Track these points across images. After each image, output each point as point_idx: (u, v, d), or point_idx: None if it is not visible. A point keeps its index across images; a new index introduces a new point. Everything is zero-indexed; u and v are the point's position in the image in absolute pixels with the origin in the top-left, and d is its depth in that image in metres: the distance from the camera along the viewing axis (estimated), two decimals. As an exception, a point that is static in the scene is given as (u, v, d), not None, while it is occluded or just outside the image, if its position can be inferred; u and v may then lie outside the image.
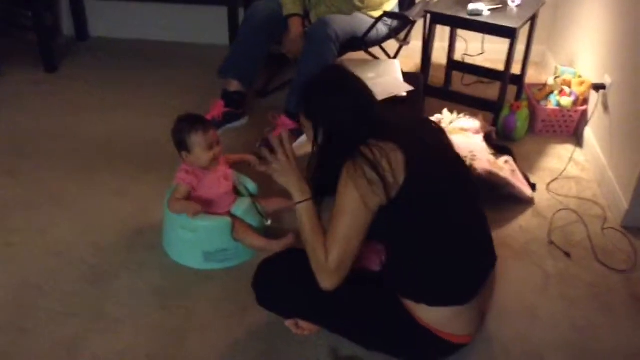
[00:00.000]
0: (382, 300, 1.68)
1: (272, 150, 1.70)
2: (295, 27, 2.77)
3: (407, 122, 1.71)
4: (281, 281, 1.75)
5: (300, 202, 1.65)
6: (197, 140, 2.05)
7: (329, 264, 1.58)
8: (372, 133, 1.57)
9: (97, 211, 2.38)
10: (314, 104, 1.64)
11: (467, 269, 1.66)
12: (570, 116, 2.88)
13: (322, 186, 1.66)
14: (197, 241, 2.10)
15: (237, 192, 2.24)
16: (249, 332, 1.89)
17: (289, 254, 1.85)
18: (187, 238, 2.10)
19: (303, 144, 2.78)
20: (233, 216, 2.13)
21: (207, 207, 2.12)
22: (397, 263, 1.64)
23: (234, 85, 2.88)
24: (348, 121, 1.59)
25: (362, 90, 1.64)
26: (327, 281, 1.60)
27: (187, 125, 2.06)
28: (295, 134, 2.76)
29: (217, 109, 2.85)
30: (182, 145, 2.07)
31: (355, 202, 1.53)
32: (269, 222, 2.19)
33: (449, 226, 1.62)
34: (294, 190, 1.66)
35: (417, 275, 1.63)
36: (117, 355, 1.81)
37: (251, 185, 2.27)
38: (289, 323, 1.83)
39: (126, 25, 3.72)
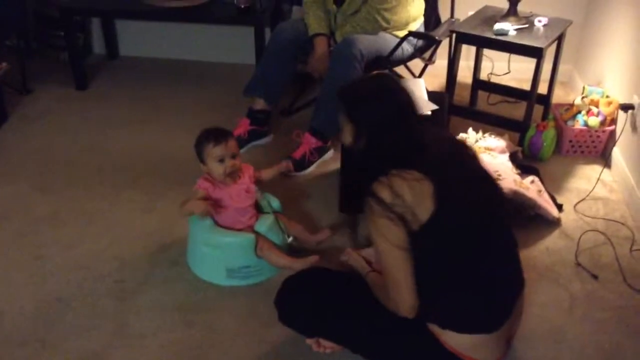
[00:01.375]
0: (406, 322, 1.64)
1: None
2: (321, 46, 2.79)
3: (438, 144, 1.66)
4: (304, 300, 1.74)
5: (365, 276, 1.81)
6: (208, 151, 2.08)
7: (403, 306, 1.58)
8: (405, 152, 1.56)
9: (124, 227, 2.41)
10: (359, 108, 1.60)
11: (496, 296, 1.63)
12: (598, 136, 2.85)
13: (359, 191, 1.62)
14: (220, 257, 2.11)
15: (259, 208, 2.25)
16: (271, 349, 1.89)
17: (313, 273, 1.85)
18: (210, 254, 2.12)
19: (327, 160, 2.80)
20: (256, 233, 2.14)
21: (228, 220, 2.14)
22: (423, 289, 1.60)
23: (260, 104, 2.91)
24: (388, 132, 1.56)
25: (408, 103, 1.61)
26: (406, 314, 1.60)
27: (203, 137, 2.11)
28: (320, 151, 2.77)
29: (242, 126, 2.88)
30: (199, 156, 2.12)
31: (383, 243, 1.54)
32: (291, 239, 2.20)
33: (478, 254, 1.58)
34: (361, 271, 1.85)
35: (444, 303, 1.60)
36: (140, 370, 1.83)
37: (275, 203, 2.28)
38: (310, 341, 1.83)
39: (155, 44, 3.79)
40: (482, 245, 1.59)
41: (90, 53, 3.82)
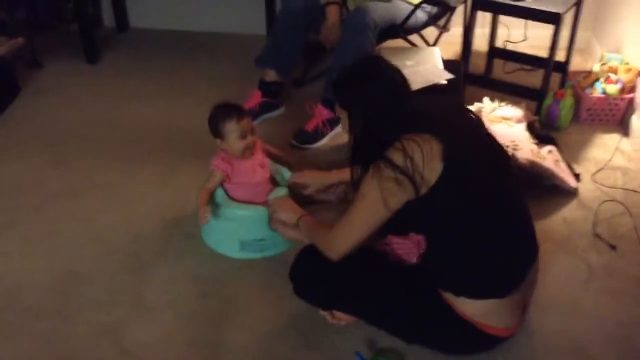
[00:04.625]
0: (420, 292, 1.66)
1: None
2: (333, 15, 2.74)
3: (443, 112, 1.67)
4: (318, 272, 1.74)
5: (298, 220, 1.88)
6: (230, 128, 2.06)
7: (336, 248, 1.65)
8: (406, 123, 1.56)
9: (138, 200, 2.41)
10: (348, 93, 1.64)
11: (509, 259, 1.63)
12: (617, 104, 2.79)
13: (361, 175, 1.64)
14: (234, 230, 2.11)
15: (274, 181, 2.24)
16: (286, 321, 1.90)
17: None
18: (224, 227, 2.11)
19: (340, 133, 2.77)
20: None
21: (244, 195, 2.13)
22: (436, 255, 1.62)
23: (271, 75, 2.87)
24: (383, 112, 1.59)
25: (397, 81, 1.63)
26: (333, 255, 1.66)
27: (222, 113, 2.08)
28: (332, 123, 2.74)
29: (254, 99, 2.85)
30: (217, 132, 2.09)
31: (375, 202, 1.54)
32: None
33: (489, 216, 1.59)
34: (292, 218, 1.91)
35: (457, 267, 1.61)
36: (159, 341, 1.84)
37: (287, 175, 2.26)
38: (324, 313, 1.83)
39: (165, 16, 3.75)
40: (490, 210, 1.59)
41: (100, 25, 3.79)
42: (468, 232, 1.58)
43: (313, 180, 2.16)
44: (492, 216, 1.59)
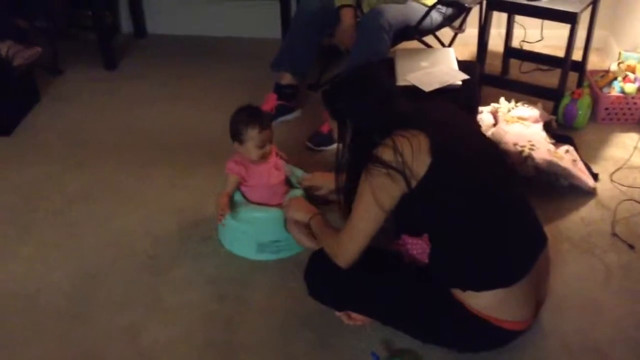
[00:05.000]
0: (432, 291, 1.66)
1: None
2: (347, 18, 2.75)
3: (432, 112, 1.72)
4: (332, 274, 1.74)
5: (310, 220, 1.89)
6: (252, 135, 2.06)
7: (343, 255, 1.67)
8: (396, 124, 1.60)
9: (155, 203, 2.43)
10: (337, 103, 1.69)
11: (509, 249, 1.63)
12: (635, 103, 2.76)
13: (353, 187, 1.67)
14: (251, 232, 2.12)
15: (289, 183, 2.24)
16: (301, 322, 1.90)
17: None
18: (241, 229, 2.13)
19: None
20: (286, 207, 2.14)
21: (261, 197, 2.14)
22: (438, 251, 1.64)
23: (287, 78, 2.89)
24: (369, 115, 1.64)
25: (384, 86, 1.69)
26: (341, 264, 1.69)
27: (245, 118, 2.08)
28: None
29: (269, 102, 2.87)
30: (236, 135, 2.09)
31: (371, 203, 1.58)
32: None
33: (482, 207, 1.60)
34: (305, 217, 1.92)
35: (458, 261, 1.62)
36: (177, 342, 1.85)
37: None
38: (340, 314, 1.83)
39: (182, 22, 3.79)
40: (483, 201, 1.60)
41: (118, 32, 3.84)
42: (463, 225, 1.59)
43: (324, 181, 2.17)
44: (486, 208, 1.61)
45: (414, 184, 1.54)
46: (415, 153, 1.53)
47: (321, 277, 1.79)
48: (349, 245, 1.67)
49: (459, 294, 1.63)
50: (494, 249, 1.62)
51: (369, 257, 1.69)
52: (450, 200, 1.58)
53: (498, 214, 1.63)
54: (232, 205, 2.13)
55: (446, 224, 1.61)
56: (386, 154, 1.55)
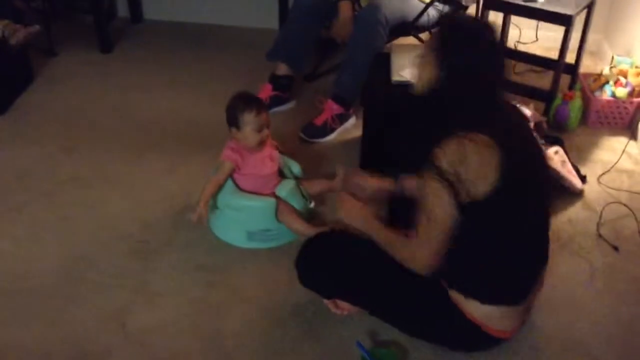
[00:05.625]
0: (427, 288, 1.65)
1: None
2: (345, 10, 2.75)
3: (501, 114, 1.57)
4: (324, 261, 1.76)
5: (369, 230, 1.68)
6: (249, 119, 2.07)
7: (421, 261, 1.55)
8: (481, 117, 1.47)
9: (146, 189, 2.44)
10: (456, 44, 1.49)
11: (525, 271, 1.63)
12: (625, 108, 2.79)
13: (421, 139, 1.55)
14: (241, 220, 2.13)
15: (282, 174, 2.26)
16: (289, 310, 1.92)
17: (333, 235, 1.86)
18: (231, 217, 2.14)
19: (349, 128, 2.79)
20: (278, 197, 2.16)
21: (252, 186, 2.15)
22: (458, 257, 1.56)
23: (282, 69, 2.89)
24: (478, 86, 1.49)
25: (503, 64, 1.54)
26: (420, 271, 1.57)
27: (242, 103, 2.08)
28: (342, 118, 2.76)
29: (264, 92, 2.87)
30: (233, 121, 2.09)
31: (439, 203, 1.47)
32: (313, 205, 2.21)
33: (521, 229, 1.57)
34: (361, 226, 1.70)
35: (475, 271, 1.59)
36: (163, 327, 1.87)
37: (296, 168, 2.29)
38: (328, 302, 1.85)
39: (179, 8, 3.78)
40: (526, 219, 1.57)
41: (114, 16, 3.82)
42: (496, 242, 1.56)
43: (366, 183, 2.02)
44: (523, 230, 1.57)
45: (464, 199, 1.45)
46: (482, 167, 1.41)
47: (312, 265, 1.79)
48: (425, 253, 1.54)
49: (457, 297, 1.62)
50: (515, 268, 1.59)
51: (363, 246, 1.67)
52: (494, 221, 1.51)
53: (530, 235, 1.61)
54: (222, 193, 2.14)
55: (481, 236, 1.54)
56: (447, 159, 1.42)
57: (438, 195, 1.46)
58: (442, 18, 1.51)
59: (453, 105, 1.50)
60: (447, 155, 1.43)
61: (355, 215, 1.75)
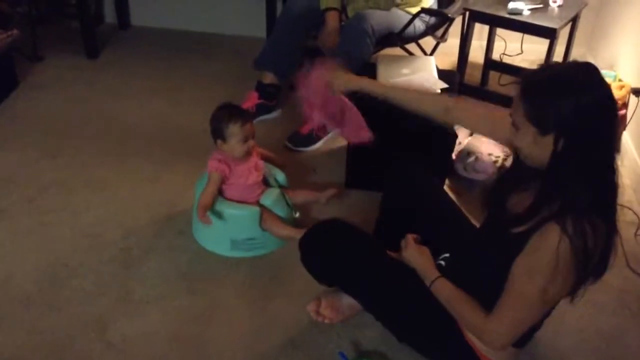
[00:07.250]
0: (431, 298, 1.59)
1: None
2: (332, 21, 2.77)
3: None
4: (331, 244, 1.71)
5: (431, 284, 1.59)
6: (234, 131, 2.06)
7: (499, 340, 1.47)
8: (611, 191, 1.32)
9: (130, 196, 2.42)
10: (553, 102, 1.28)
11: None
12: (609, 120, 2.82)
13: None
14: (225, 229, 2.12)
15: (266, 183, 2.26)
16: (272, 319, 1.91)
17: (345, 223, 1.80)
18: (215, 225, 2.13)
19: (335, 138, 2.79)
20: (262, 206, 2.15)
21: (236, 195, 2.15)
22: (491, 293, 1.46)
23: (269, 78, 2.90)
24: (596, 139, 1.28)
25: (612, 103, 1.32)
26: (494, 348, 1.51)
27: (226, 115, 2.08)
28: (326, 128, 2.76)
29: (251, 100, 2.87)
30: (218, 133, 2.09)
31: (536, 294, 1.37)
32: (298, 215, 2.21)
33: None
34: (422, 273, 1.62)
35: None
36: (144, 336, 1.85)
37: (281, 177, 2.29)
38: (310, 308, 1.84)
39: (167, 15, 3.78)
40: None
41: (101, 22, 3.81)
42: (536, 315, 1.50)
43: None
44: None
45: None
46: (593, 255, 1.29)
47: (318, 245, 1.74)
48: (505, 331, 1.44)
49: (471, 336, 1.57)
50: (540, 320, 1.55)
51: (375, 239, 1.64)
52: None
53: None
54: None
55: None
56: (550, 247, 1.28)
57: (551, 279, 1.32)
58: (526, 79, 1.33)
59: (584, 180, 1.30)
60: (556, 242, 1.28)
61: (417, 260, 1.65)
